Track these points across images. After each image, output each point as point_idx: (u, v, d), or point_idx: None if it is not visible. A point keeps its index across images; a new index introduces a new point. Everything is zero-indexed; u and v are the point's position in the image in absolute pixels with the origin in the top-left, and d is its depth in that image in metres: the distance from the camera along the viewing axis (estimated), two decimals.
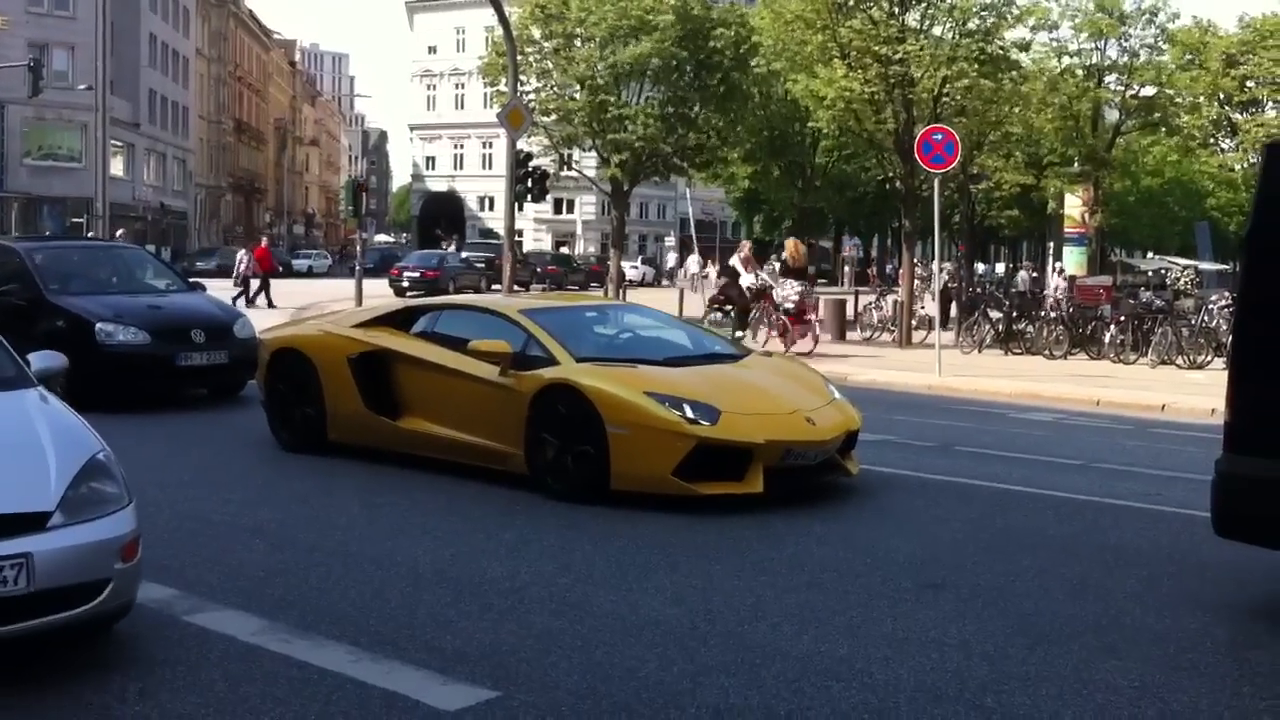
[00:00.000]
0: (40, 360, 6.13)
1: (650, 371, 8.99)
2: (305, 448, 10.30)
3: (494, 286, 40.70)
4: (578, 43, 34.33)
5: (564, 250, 74.74)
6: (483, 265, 48.79)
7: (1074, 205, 41.30)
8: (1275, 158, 6.39)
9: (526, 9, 34.07)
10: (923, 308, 28.50)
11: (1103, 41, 41.55)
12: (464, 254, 53.34)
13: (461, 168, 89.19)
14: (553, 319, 9.78)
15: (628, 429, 8.35)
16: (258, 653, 5.30)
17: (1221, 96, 44.31)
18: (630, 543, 7.44)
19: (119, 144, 65.54)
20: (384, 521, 7.90)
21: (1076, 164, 41.55)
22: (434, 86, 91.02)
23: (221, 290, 19.59)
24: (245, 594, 6.16)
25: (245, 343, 13.30)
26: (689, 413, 8.39)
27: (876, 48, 25.62)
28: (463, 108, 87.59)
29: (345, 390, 10.06)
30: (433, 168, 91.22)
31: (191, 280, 16.46)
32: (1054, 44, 41.45)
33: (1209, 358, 21.63)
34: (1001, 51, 27.77)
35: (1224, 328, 21.63)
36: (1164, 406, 16.07)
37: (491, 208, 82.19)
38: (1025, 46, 31.16)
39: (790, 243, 25.06)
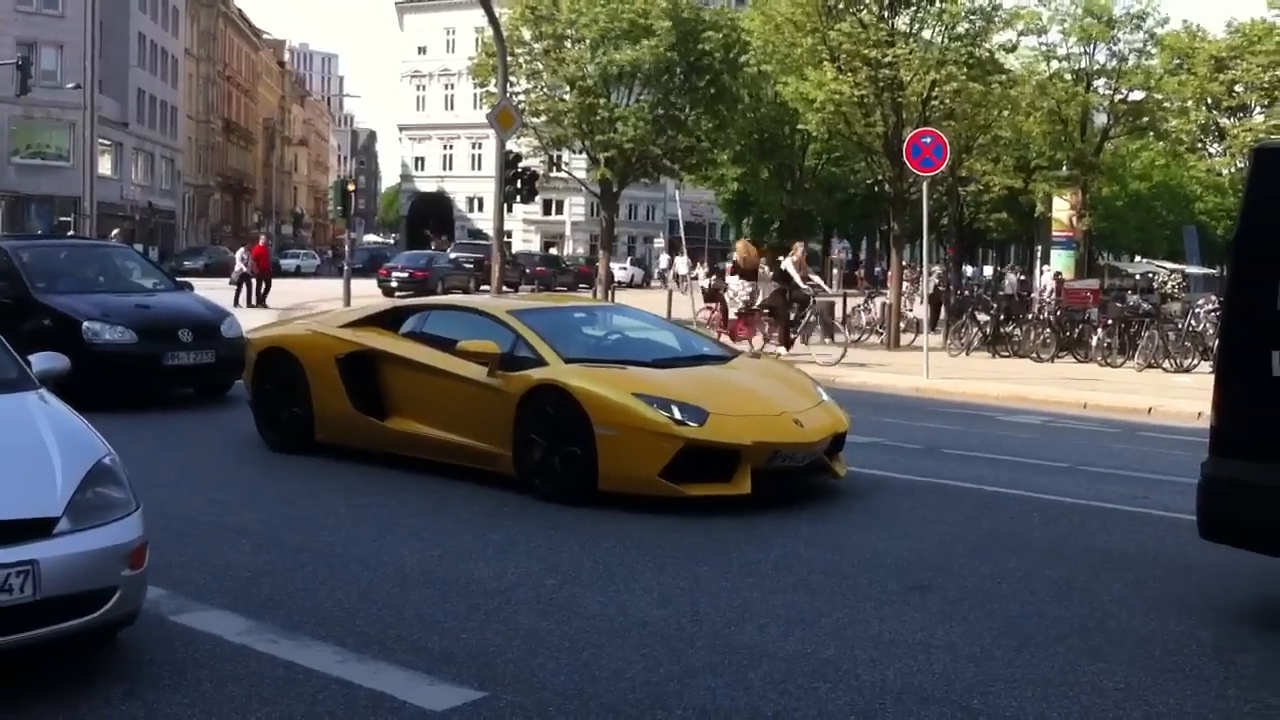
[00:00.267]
0: (42, 361, 6.02)
1: (638, 373, 9.00)
2: (292, 448, 10.28)
3: (483, 287, 40.72)
4: (568, 44, 34.31)
5: (553, 251, 74.68)
6: (471, 266, 48.75)
7: (1062, 209, 41.36)
8: (1263, 162, 6.42)
9: (517, 10, 34.04)
10: (911, 310, 28.54)
11: (1091, 46, 41.65)
12: (453, 254, 53.29)
13: (450, 168, 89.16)
14: (541, 320, 9.78)
15: (616, 430, 8.35)
16: (244, 653, 5.29)
17: (1210, 101, 44.44)
18: (618, 544, 7.44)
19: (107, 143, 65.45)
20: (371, 522, 7.89)
21: (1065, 168, 41.62)
22: (423, 87, 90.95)
23: (217, 290, 19.51)
24: (232, 594, 6.14)
25: (232, 342, 13.27)
26: (677, 414, 8.39)
27: (866, 51, 25.65)
28: (452, 108, 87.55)
29: (333, 390, 10.04)
30: (422, 168, 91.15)
31: (179, 279, 16.42)
32: (1043, 48, 41.57)
33: (1195, 361, 21.69)
34: (990, 55, 27.84)
35: (1210, 331, 21.71)
36: (1151, 410, 16.11)
37: (480, 208, 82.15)
38: (1012, 48, 31.21)
39: (741, 244, 25.14)
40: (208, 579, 6.41)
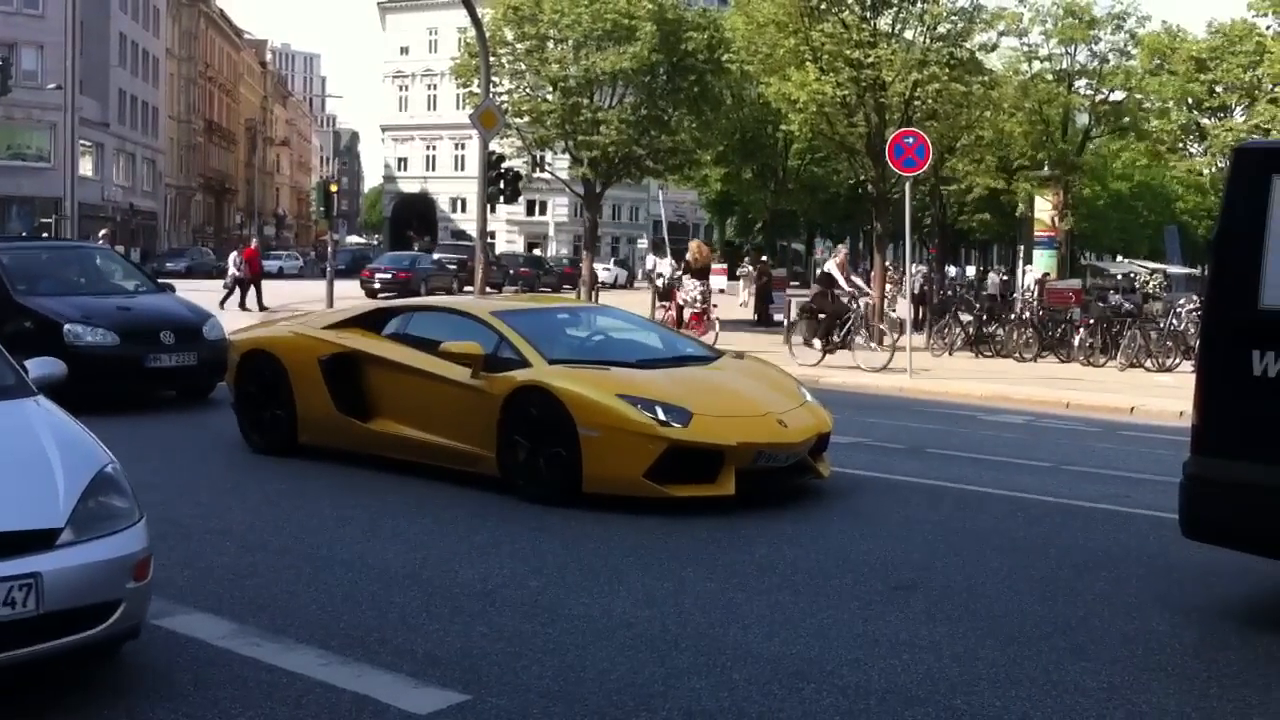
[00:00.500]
0: (39, 367, 5.84)
1: (622, 374, 9.00)
2: (275, 450, 10.25)
3: (466, 288, 40.65)
4: (551, 44, 34.27)
5: (536, 252, 74.64)
6: (455, 267, 48.69)
7: (1044, 209, 41.51)
8: (1243, 162, 6.45)
9: (499, 10, 33.98)
10: (893, 310, 28.59)
11: (1072, 47, 41.81)
12: (436, 255, 53.22)
13: (434, 169, 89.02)
14: (525, 321, 9.77)
15: (600, 431, 8.35)
16: (228, 656, 5.27)
17: (1190, 102, 44.67)
18: (602, 545, 7.44)
19: (88, 144, 65.20)
20: (355, 524, 7.87)
21: (1046, 168, 41.78)
22: (406, 87, 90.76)
23: (200, 292, 19.38)
24: (215, 597, 6.12)
25: (215, 344, 13.23)
26: (661, 415, 8.40)
27: (848, 52, 25.72)
28: (435, 109, 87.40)
29: (316, 392, 10.01)
30: (405, 169, 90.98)
31: (161, 281, 16.36)
32: (1024, 49, 41.73)
33: (1177, 360, 21.79)
34: (971, 56, 27.92)
35: (1192, 331, 21.80)
36: (1133, 409, 16.18)
37: (464, 209, 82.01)
38: (992, 48, 31.32)
39: (694, 244, 25.17)
40: (191, 582, 6.39)
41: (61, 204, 60.89)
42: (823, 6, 26.75)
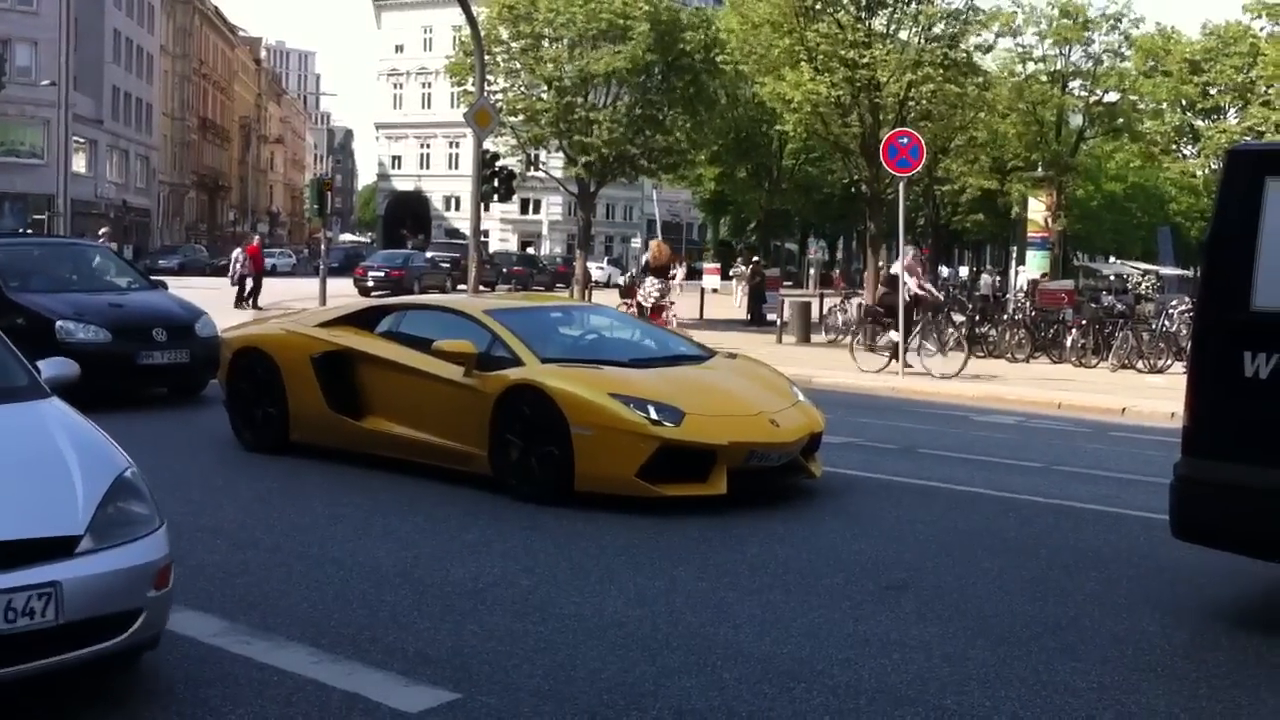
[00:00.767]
0: (51, 368, 5.65)
1: (615, 373, 9.00)
2: (268, 448, 10.24)
3: (459, 286, 40.62)
4: (546, 43, 34.27)
5: (530, 251, 74.61)
6: (448, 265, 48.65)
7: (1037, 210, 41.60)
8: (1236, 164, 6.46)
9: (494, 9, 33.97)
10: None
11: (1067, 48, 41.89)
12: (429, 254, 53.17)
13: (427, 167, 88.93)
14: (518, 320, 9.77)
15: (592, 430, 8.35)
16: (218, 654, 5.26)
17: (1184, 103, 44.74)
18: (593, 544, 7.44)
19: (81, 140, 65.08)
20: (346, 522, 7.87)
21: (1040, 169, 41.87)
22: (400, 85, 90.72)
23: (193, 289, 19.36)
24: (206, 595, 6.11)
25: (207, 341, 13.22)
26: (653, 414, 8.40)
27: (843, 52, 25.77)
28: (429, 107, 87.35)
29: (308, 390, 10.00)
30: (398, 167, 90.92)
31: (153, 278, 16.34)
32: (1019, 50, 41.80)
33: (1169, 362, 21.83)
34: (966, 57, 27.98)
35: (1184, 332, 21.84)
36: (1124, 410, 16.20)
37: (457, 208, 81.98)
38: (988, 49, 31.39)
39: (654, 244, 25.22)
40: (181, 579, 6.31)
41: (55, 201, 60.78)
42: (817, 7, 26.81)
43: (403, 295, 27.22)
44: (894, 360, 19.37)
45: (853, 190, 39.23)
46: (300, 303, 26.49)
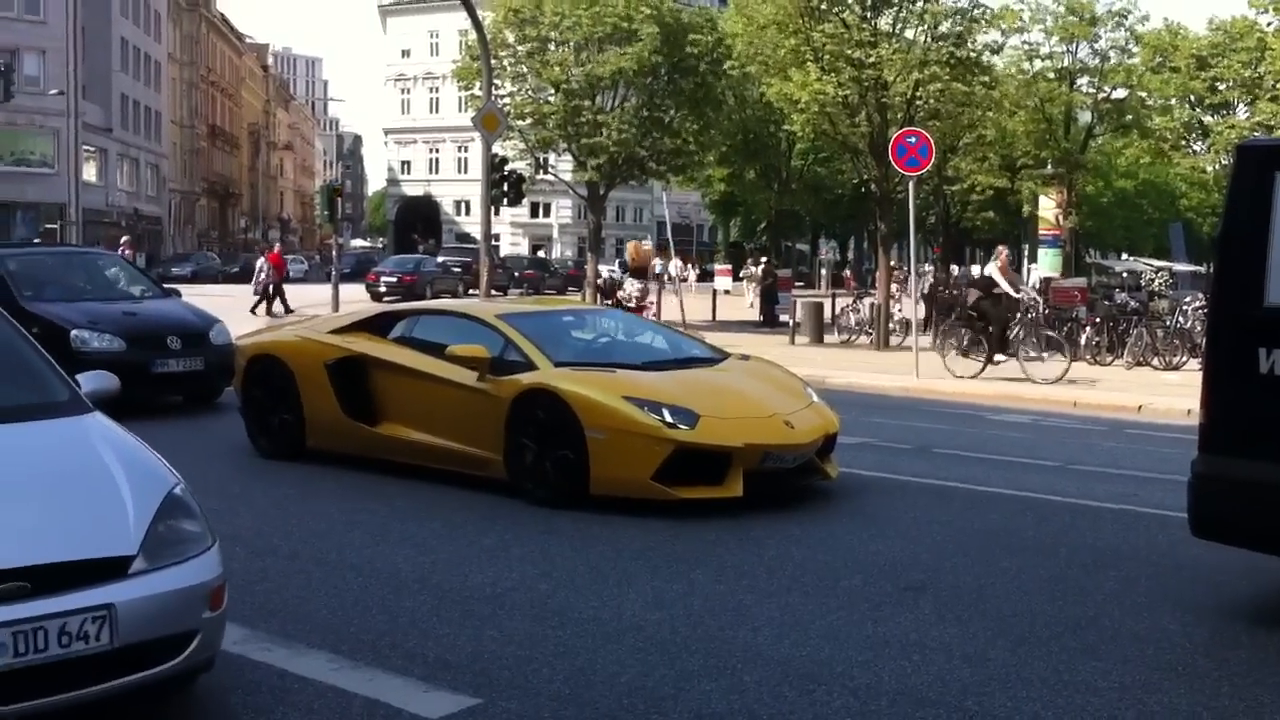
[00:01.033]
0: (91, 381, 5.45)
1: (628, 376, 9.00)
2: (283, 454, 10.26)
3: (471, 291, 40.66)
4: (552, 47, 34.30)
5: (541, 254, 74.68)
6: (459, 270, 48.68)
7: (1048, 207, 41.50)
8: (1245, 159, 6.44)
9: (500, 13, 34.01)
10: (900, 309, 28.57)
11: (1074, 44, 41.81)
12: (440, 258, 53.22)
13: (437, 172, 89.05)
14: (530, 324, 9.78)
15: (606, 434, 8.36)
16: (239, 662, 5.27)
17: (1192, 99, 44.61)
18: (610, 548, 7.45)
19: (91, 149, 65.24)
20: (363, 528, 7.88)
21: (1050, 166, 41.77)
22: (408, 90, 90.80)
23: (207, 297, 19.38)
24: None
25: (221, 349, 13.24)
26: (668, 417, 8.40)
27: (849, 51, 25.73)
28: (437, 111, 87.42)
29: (323, 396, 10.03)
30: (408, 172, 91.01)
31: (166, 286, 16.38)
32: (1026, 47, 41.73)
33: (1184, 359, 21.75)
34: (973, 55, 27.93)
35: (1198, 329, 21.76)
36: (1140, 408, 16.16)
37: (467, 212, 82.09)
38: (998, 49, 31.34)
39: (631, 245, 25.32)
40: None
41: (66, 209, 60.95)
42: (823, 7, 26.77)
43: (415, 300, 27.28)
44: (990, 365, 18.86)
45: (862, 190, 39.16)
46: (313, 309, 26.57)
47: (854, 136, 27.21)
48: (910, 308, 24.34)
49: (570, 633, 5.75)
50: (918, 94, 26.16)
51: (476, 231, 40.30)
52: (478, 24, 25.86)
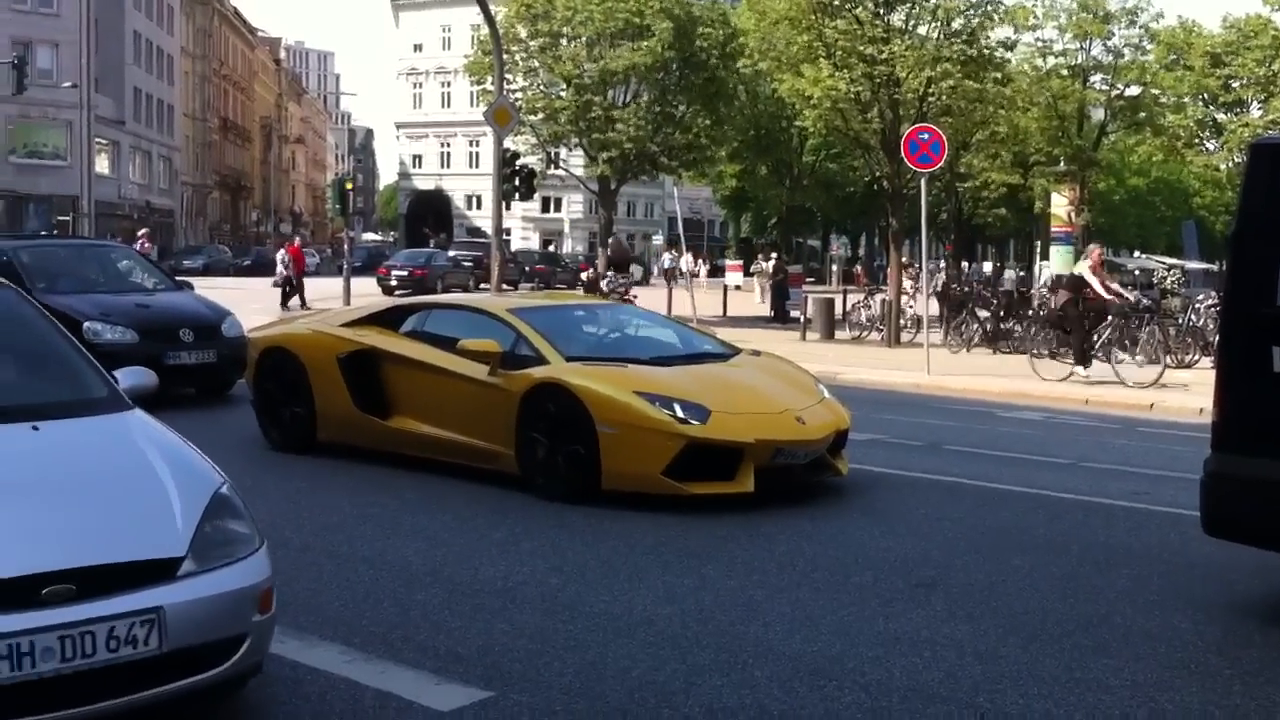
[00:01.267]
0: (129, 377, 5.31)
1: (640, 371, 9.00)
2: (295, 447, 10.28)
3: (482, 285, 40.69)
4: (564, 41, 34.32)
5: (552, 249, 74.69)
6: (471, 264, 48.73)
7: (1060, 204, 41.42)
8: (1259, 157, 6.42)
9: (512, 8, 34.06)
10: (911, 306, 28.54)
11: (1087, 41, 41.72)
12: (452, 252, 53.28)
13: (448, 166, 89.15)
14: (542, 318, 9.78)
15: (618, 428, 8.36)
16: None
17: (1206, 96, 44.50)
18: (622, 542, 7.45)
19: (104, 142, 65.42)
20: (375, 521, 7.90)
21: (1062, 163, 41.70)
22: (420, 84, 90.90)
23: (219, 290, 19.39)
24: None
25: (233, 341, 13.27)
26: (679, 412, 8.40)
27: (862, 48, 25.72)
28: (449, 106, 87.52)
29: (335, 389, 10.04)
30: (419, 166, 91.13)
31: (179, 279, 16.42)
32: (1039, 44, 41.65)
33: (1196, 357, 21.67)
34: (986, 52, 27.88)
35: (1211, 327, 21.69)
36: (1152, 405, 16.13)
37: (479, 206, 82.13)
38: (1011, 45, 31.27)
39: (612, 240, 25.23)
40: None
41: (79, 202, 61.13)
42: (836, 3, 26.75)
43: (426, 294, 27.30)
44: (1081, 368, 18.38)
45: (874, 186, 39.13)
46: (325, 302, 26.58)
47: (866, 133, 27.20)
48: (922, 304, 24.30)
49: (581, 627, 5.76)
50: (930, 90, 26.13)
51: (487, 226, 40.29)
52: (490, 18, 25.87)
